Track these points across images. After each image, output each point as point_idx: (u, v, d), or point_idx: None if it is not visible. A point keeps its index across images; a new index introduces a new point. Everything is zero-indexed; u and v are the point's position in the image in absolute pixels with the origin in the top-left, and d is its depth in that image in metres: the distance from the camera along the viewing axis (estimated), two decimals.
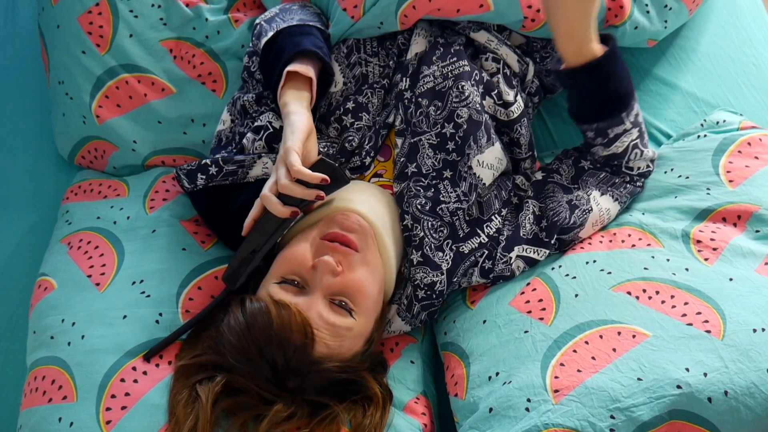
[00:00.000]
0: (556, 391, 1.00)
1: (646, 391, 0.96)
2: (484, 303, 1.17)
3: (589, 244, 1.19)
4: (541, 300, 1.12)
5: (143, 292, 1.16)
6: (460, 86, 1.19)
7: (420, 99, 1.20)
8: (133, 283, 1.17)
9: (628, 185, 1.23)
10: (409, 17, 1.24)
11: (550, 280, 1.15)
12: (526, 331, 1.09)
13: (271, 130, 1.20)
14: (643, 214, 1.22)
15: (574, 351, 1.03)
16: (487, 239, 1.18)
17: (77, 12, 1.39)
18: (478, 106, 1.19)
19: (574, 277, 1.13)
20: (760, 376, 0.95)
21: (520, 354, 1.07)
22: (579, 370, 1.01)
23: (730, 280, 1.07)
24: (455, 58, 1.21)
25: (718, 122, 1.31)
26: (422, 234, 1.15)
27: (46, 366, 1.10)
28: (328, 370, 1.02)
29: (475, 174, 1.17)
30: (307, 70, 1.15)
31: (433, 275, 1.15)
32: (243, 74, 1.31)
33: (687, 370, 0.96)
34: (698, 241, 1.14)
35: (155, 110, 1.38)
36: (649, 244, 1.16)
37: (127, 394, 1.04)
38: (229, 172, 1.18)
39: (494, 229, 1.19)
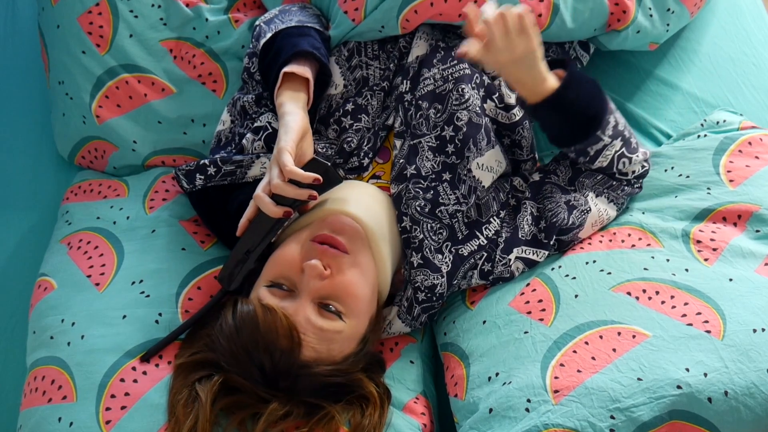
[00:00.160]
0: (556, 391, 1.00)
1: (646, 392, 0.95)
2: (484, 303, 1.17)
3: (589, 244, 1.19)
4: (540, 300, 1.12)
5: (143, 292, 1.16)
6: (460, 89, 1.18)
7: (420, 102, 1.20)
8: (133, 283, 1.17)
9: (625, 188, 1.22)
10: (411, 21, 1.24)
11: (549, 281, 1.15)
12: (525, 332, 1.09)
13: (271, 130, 1.20)
14: (643, 213, 1.21)
15: (574, 351, 1.03)
16: (486, 241, 1.18)
17: (77, 12, 1.39)
18: (478, 109, 1.19)
19: (574, 278, 1.13)
20: (760, 377, 0.95)
21: (519, 354, 1.07)
22: (579, 371, 1.00)
23: (730, 280, 1.07)
24: (456, 61, 1.21)
25: (718, 122, 1.31)
26: (422, 236, 1.15)
27: (46, 366, 1.10)
28: (318, 374, 1.02)
29: (474, 177, 1.17)
30: (304, 71, 1.15)
31: (434, 278, 1.15)
32: (243, 75, 1.31)
33: (687, 370, 0.96)
34: (698, 241, 1.13)
35: (155, 110, 1.38)
36: (649, 244, 1.16)
37: (126, 394, 1.04)
38: (228, 173, 1.18)
39: (493, 231, 1.19)
